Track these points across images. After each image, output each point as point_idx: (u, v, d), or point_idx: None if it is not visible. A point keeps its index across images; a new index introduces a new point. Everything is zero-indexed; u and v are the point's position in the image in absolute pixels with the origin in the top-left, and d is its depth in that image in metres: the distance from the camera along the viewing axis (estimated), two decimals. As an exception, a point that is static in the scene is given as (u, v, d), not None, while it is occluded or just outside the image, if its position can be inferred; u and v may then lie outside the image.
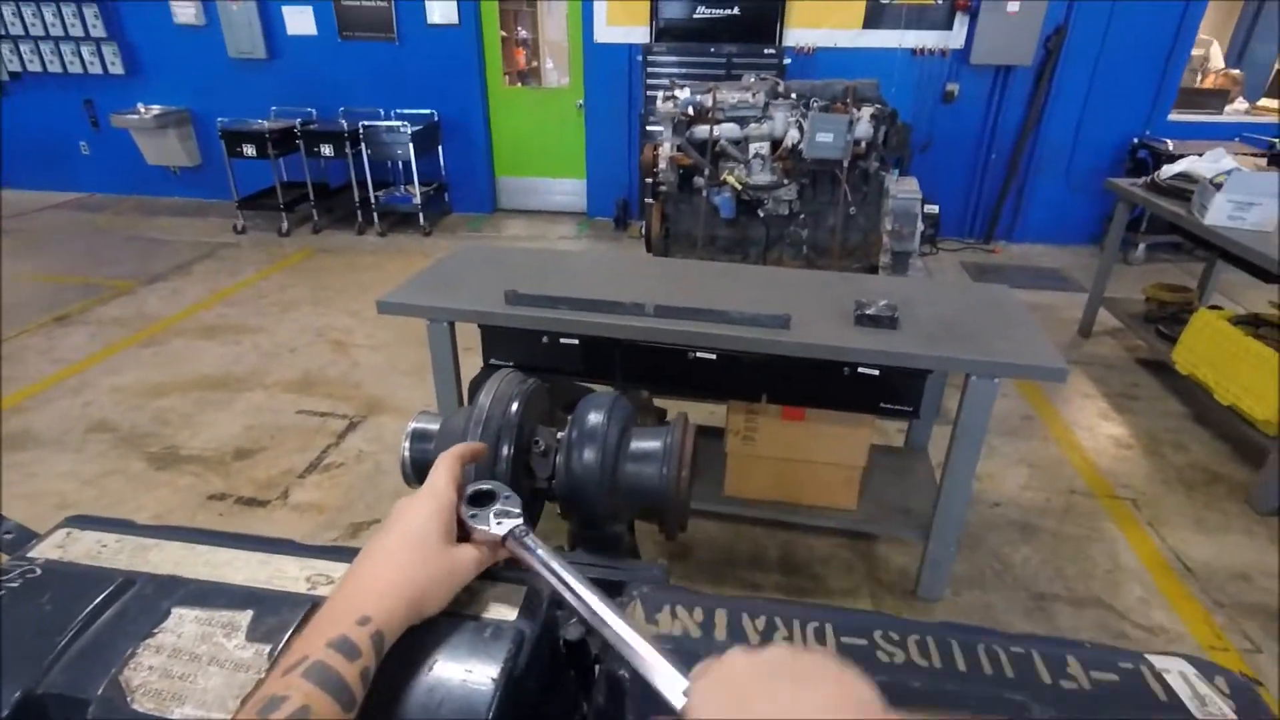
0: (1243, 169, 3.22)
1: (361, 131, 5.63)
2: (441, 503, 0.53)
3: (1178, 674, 0.48)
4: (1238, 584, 2.38)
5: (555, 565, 0.53)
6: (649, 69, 5.47)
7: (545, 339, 2.14)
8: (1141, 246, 5.32)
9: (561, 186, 6.57)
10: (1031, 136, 5.65)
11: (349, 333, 4.15)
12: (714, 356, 2.05)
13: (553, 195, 6.63)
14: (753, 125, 3.17)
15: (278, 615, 0.50)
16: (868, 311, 2.05)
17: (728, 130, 3.21)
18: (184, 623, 0.49)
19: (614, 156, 6.15)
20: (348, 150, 5.71)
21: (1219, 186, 3.02)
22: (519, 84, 6.47)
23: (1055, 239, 5.93)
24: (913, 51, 5.54)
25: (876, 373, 2.00)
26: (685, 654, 0.45)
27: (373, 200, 5.92)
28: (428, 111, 6.16)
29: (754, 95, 3.22)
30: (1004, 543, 2.57)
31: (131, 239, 5.93)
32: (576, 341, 2.14)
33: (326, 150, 5.74)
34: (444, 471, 0.57)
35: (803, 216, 3.34)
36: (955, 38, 5.45)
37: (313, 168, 5.96)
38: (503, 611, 0.52)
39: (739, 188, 3.18)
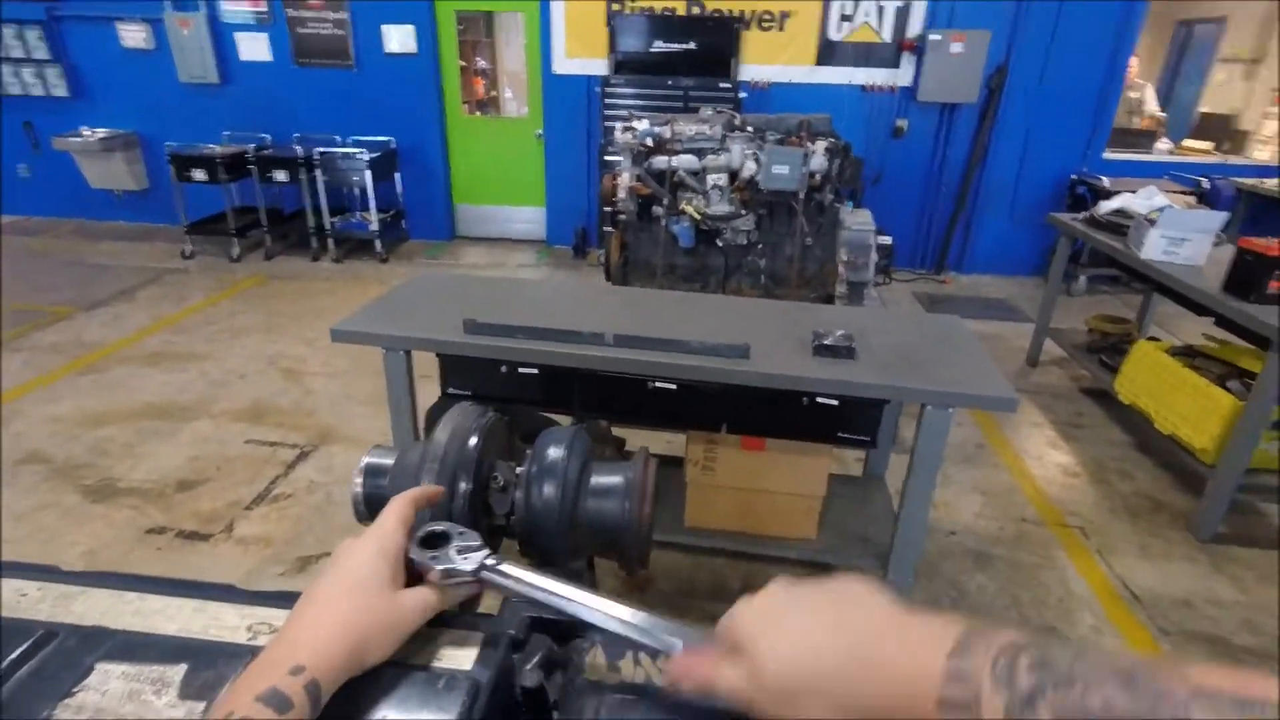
0: (1174, 206, 3.41)
1: (317, 158, 5.56)
2: (388, 544, 0.51)
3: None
4: (1181, 611, 2.45)
5: (535, 579, 0.53)
6: (607, 100, 5.55)
7: (504, 368, 2.11)
8: (1083, 278, 5.57)
9: (521, 214, 6.58)
10: (977, 171, 5.89)
11: (302, 360, 4.04)
12: (674, 386, 2.06)
13: (512, 223, 6.63)
14: (710, 157, 3.23)
15: (214, 669, 0.46)
16: (825, 342, 2.07)
17: (686, 161, 3.26)
18: (109, 679, 0.45)
19: (573, 185, 6.19)
20: (302, 176, 5.62)
21: (1153, 222, 3.18)
22: (478, 113, 6.49)
23: (1002, 270, 6.16)
24: (862, 88, 5.75)
25: (835, 403, 2.03)
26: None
27: (328, 226, 5.82)
28: (385, 139, 6.12)
29: (711, 128, 3.28)
30: (960, 571, 2.61)
31: (72, 264, 5.69)
32: (535, 371, 2.12)
33: (280, 175, 5.65)
34: (394, 514, 0.54)
35: (760, 246, 3.40)
36: (903, 75, 5.69)
37: (266, 193, 5.84)
38: (457, 659, 0.50)
39: (698, 218, 3.23)
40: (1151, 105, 7.04)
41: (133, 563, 2.47)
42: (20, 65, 6.20)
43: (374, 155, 5.64)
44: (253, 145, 5.83)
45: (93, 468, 3.00)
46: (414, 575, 0.53)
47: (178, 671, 0.46)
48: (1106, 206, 3.79)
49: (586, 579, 0.87)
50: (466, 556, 0.54)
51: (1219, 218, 3.13)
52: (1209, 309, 2.84)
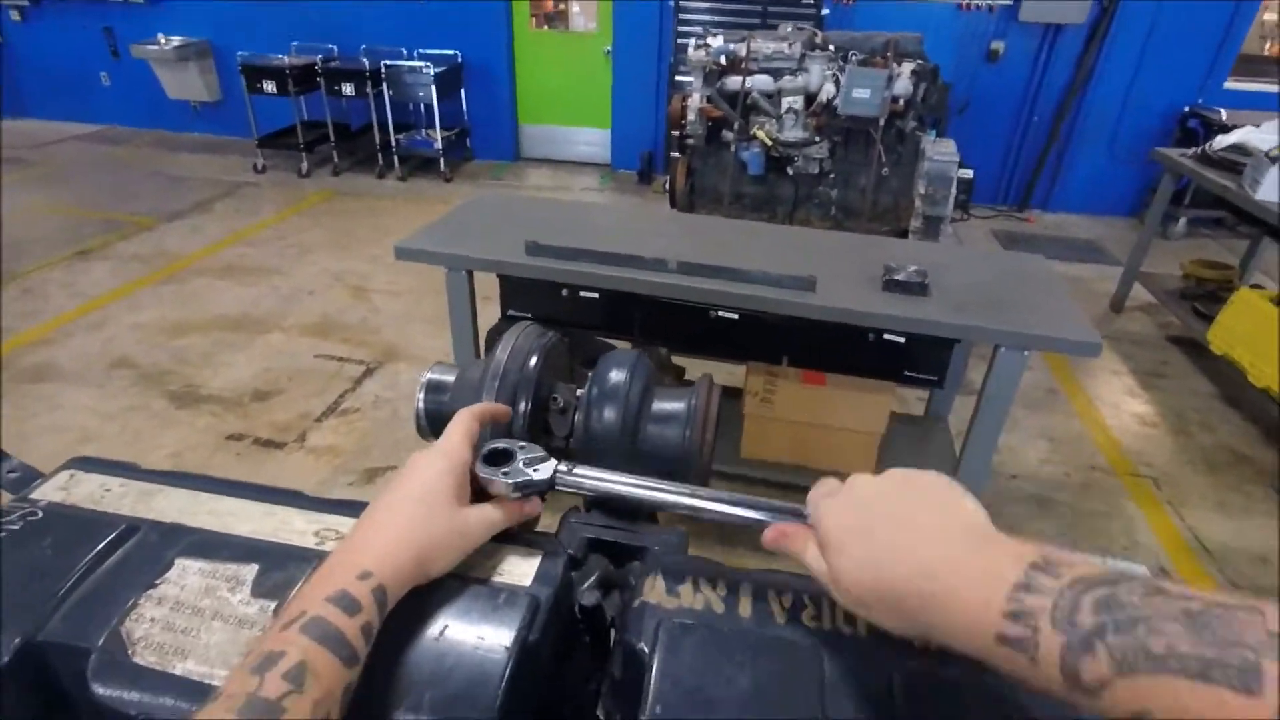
0: (1302, 142, 3.05)
1: (384, 71, 5.51)
2: (454, 460, 0.51)
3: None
4: (1256, 566, 2.35)
5: (616, 476, 0.56)
6: (680, 15, 5.27)
7: (565, 292, 2.10)
8: (1182, 220, 5.13)
9: (586, 136, 6.43)
10: (1077, 100, 5.41)
11: (367, 278, 4.13)
12: (736, 316, 2.01)
13: (576, 145, 6.50)
14: (787, 78, 3.04)
15: (284, 570, 0.47)
16: (897, 277, 1.98)
17: (761, 82, 3.08)
18: (187, 574, 0.47)
19: (641, 107, 5.98)
20: (369, 90, 5.59)
21: (1275, 160, 2.87)
22: (545, 27, 6.27)
23: (1093, 209, 5.73)
24: (958, 5, 5.28)
25: (902, 340, 1.95)
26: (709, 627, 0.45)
27: (394, 143, 5.82)
28: (451, 52, 6.00)
29: (790, 46, 3.08)
30: (1020, 516, 2.55)
31: (152, 174, 5.90)
32: (597, 295, 2.10)
33: (348, 89, 5.63)
34: (460, 429, 0.54)
35: (833, 176, 3.24)
36: (1005, -9, 5.18)
37: (333, 107, 5.86)
38: (516, 576, 0.50)
39: (769, 143, 3.08)
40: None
41: (214, 467, 2.64)
42: (98, -29, 6.27)
43: (439, 70, 5.56)
44: (320, 56, 5.81)
45: (176, 374, 3.18)
46: (478, 493, 0.53)
47: (250, 571, 0.47)
48: (1223, 141, 3.44)
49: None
50: (537, 468, 0.55)
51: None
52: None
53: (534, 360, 0.76)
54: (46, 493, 0.54)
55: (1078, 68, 5.30)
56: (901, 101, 3.02)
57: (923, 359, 2.01)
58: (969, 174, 5.68)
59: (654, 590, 0.50)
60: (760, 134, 3.08)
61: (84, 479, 0.55)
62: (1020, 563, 0.35)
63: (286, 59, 5.74)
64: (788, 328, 2.00)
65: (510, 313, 2.24)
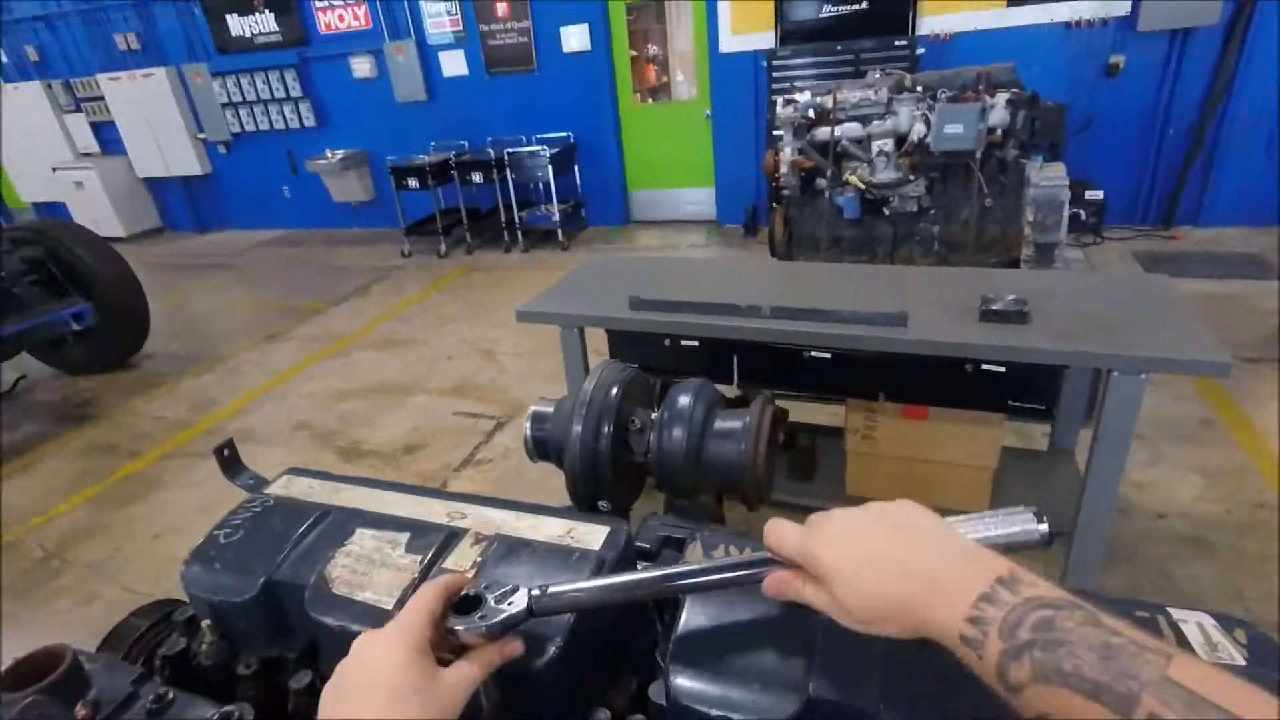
0: None
1: (506, 158, 6.15)
2: (414, 640, 0.48)
3: (1195, 624, 0.51)
4: None
5: (591, 586, 0.55)
6: (774, 74, 5.49)
7: (667, 341, 2.27)
8: (1366, 222, 4.55)
9: (691, 196, 6.75)
10: (1220, 106, 5.01)
11: (496, 342, 4.56)
12: (828, 355, 2.09)
13: (683, 205, 6.82)
14: (875, 122, 3.14)
15: (425, 537, 0.67)
16: (994, 307, 1.98)
17: (849, 130, 3.20)
18: (364, 539, 0.67)
19: (741, 163, 6.22)
20: (495, 176, 6.26)
21: None
22: (649, 100, 6.73)
23: (1252, 220, 5.20)
24: (1067, 25, 5.13)
25: (1003, 370, 1.94)
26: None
27: (517, 220, 6.43)
28: (564, 134, 6.59)
29: (877, 92, 3.18)
30: (1169, 557, 2.35)
31: (322, 268, 6.87)
32: (697, 344, 2.26)
33: (477, 177, 6.33)
34: (417, 605, 0.51)
35: (933, 212, 3.25)
36: (1118, 4, 4.98)
37: (465, 194, 6.59)
38: (587, 542, 0.66)
39: (862, 187, 3.16)
40: None
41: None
42: (282, 104, 7.54)
43: (554, 151, 6.12)
44: (453, 152, 6.60)
45: (343, 433, 3.67)
46: (453, 651, 0.52)
47: (404, 537, 0.67)
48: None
49: (711, 511, 1.00)
50: (510, 600, 0.52)
51: None
52: None
53: (615, 390, 0.94)
54: (273, 491, 0.78)
55: (1216, 71, 4.94)
56: (999, 131, 3.01)
57: (1028, 388, 1.98)
58: (1099, 195, 5.38)
59: (694, 554, 0.64)
60: (853, 179, 3.17)
61: (296, 481, 0.80)
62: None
63: (426, 158, 6.56)
64: (882, 364, 2.05)
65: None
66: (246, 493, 0.82)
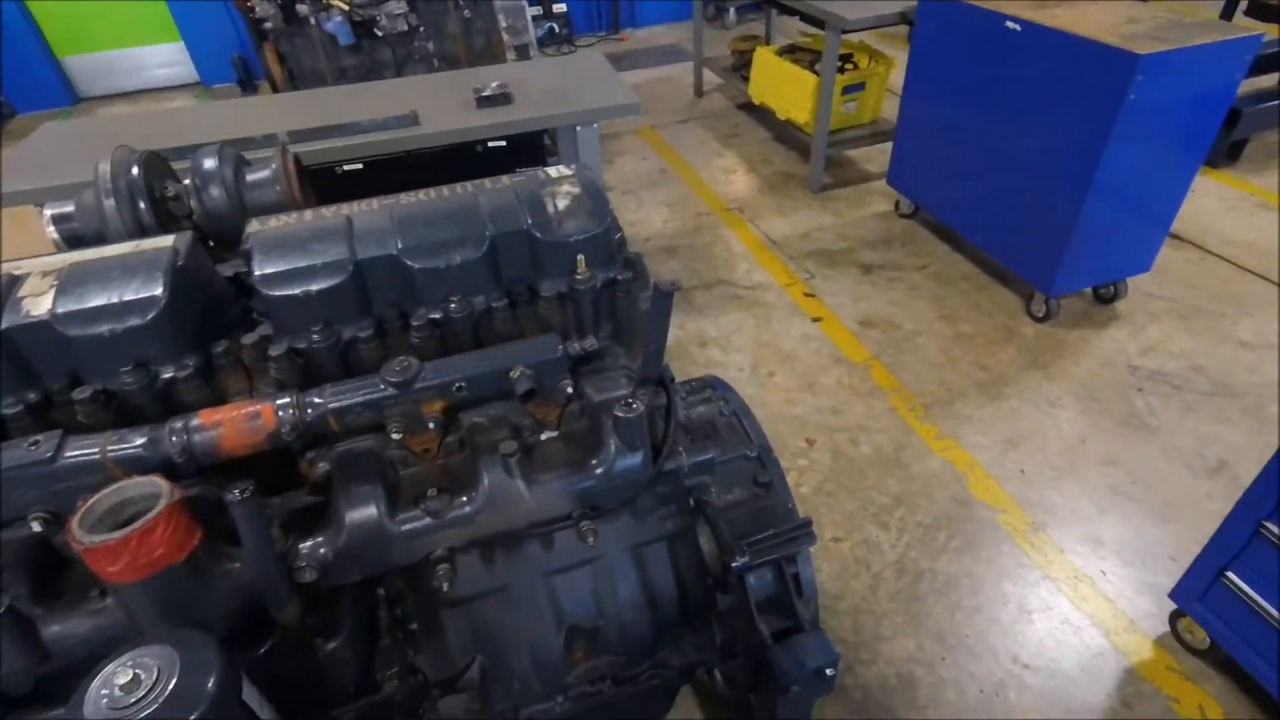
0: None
1: None
2: None
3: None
4: (801, 241, 3.37)
5: None
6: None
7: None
8: (732, 11, 6.21)
9: (157, 55, 5.61)
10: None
11: None
12: (360, 166, 2.25)
13: (152, 70, 5.66)
14: (338, -63, 3.08)
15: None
16: (484, 94, 2.36)
17: (313, -53, 3.08)
18: None
19: (209, 5, 5.35)
20: None
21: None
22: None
23: (671, 17, 6.61)
24: None
25: (505, 144, 2.37)
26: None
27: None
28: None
29: (326, -96, 3.09)
30: (657, 262, 3.28)
31: None
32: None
33: None
34: None
35: (422, 30, 3.43)
36: None
37: None
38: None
39: (346, 8, 3.15)
40: None
41: None
42: None
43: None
44: None
45: None
46: None
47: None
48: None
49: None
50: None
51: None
52: (792, 8, 3.50)
53: (135, 169, 1.01)
54: None
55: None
56: (455, -56, 3.25)
57: (526, 156, 2.46)
58: (563, 8, 6.18)
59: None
60: (335, 1, 3.13)
61: None
62: None
63: None
64: (410, 163, 2.30)
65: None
66: None
